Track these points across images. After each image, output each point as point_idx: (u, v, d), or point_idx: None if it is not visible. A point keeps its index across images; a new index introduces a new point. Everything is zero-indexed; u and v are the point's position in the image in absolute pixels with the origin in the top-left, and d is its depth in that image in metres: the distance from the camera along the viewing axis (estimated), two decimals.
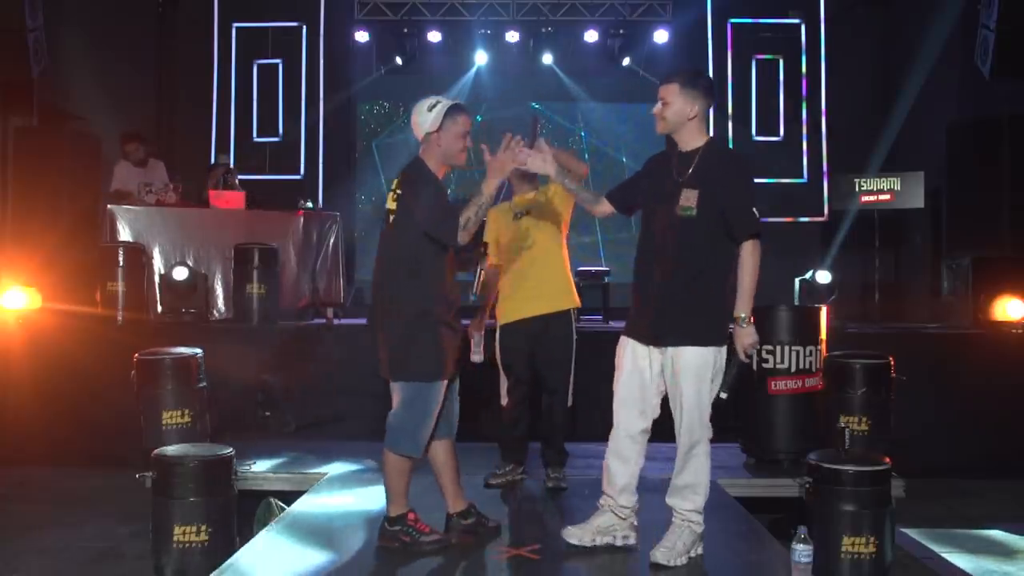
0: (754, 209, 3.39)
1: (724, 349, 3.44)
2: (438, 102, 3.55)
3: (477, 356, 4.52)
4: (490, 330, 4.64)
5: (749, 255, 3.34)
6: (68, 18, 8.78)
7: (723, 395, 3.43)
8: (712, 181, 3.35)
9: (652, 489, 3.78)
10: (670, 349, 3.42)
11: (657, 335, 3.44)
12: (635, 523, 3.63)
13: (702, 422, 3.43)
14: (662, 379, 3.49)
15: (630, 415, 3.52)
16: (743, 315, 3.35)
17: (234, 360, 6.11)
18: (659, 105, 3.45)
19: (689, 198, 3.35)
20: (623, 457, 3.56)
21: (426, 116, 3.54)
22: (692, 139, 3.45)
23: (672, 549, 3.42)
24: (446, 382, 3.56)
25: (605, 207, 3.69)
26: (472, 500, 3.81)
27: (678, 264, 3.39)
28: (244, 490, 4.46)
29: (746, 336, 3.36)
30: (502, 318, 4.59)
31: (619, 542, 3.60)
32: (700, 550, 3.51)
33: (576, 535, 3.61)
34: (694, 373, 3.38)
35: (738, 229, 3.34)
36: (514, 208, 4.60)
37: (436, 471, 3.73)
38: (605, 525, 3.60)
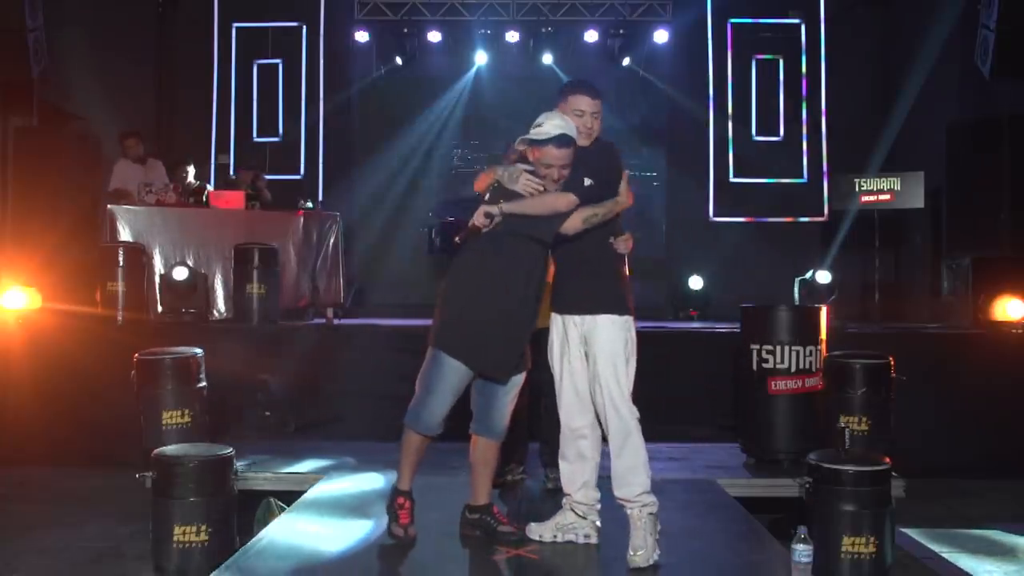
0: (591, 184, 3.42)
1: (631, 321, 3.51)
2: (539, 126, 3.46)
3: None
4: None
5: (561, 193, 3.41)
6: (68, 18, 8.77)
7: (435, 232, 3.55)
8: (580, 170, 3.46)
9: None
10: (578, 319, 3.50)
11: (569, 303, 3.54)
12: (597, 523, 3.65)
13: (626, 403, 3.45)
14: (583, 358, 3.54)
15: (571, 411, 3.58)
16: (504, 203, 3.38)
17: (234, 360, 6.11)
18: (593, 121, 3.51)
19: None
20: (580, 456, 3.60)
21: (522, 139, 3.52)
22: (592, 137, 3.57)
23: (646, 548, 3.37)
24: (459, 367, 3.52)
25: None
26: (493, 504, 3.79)
27: (568, 246, 3.50)
28: (244, 490, 4.46)
29: (485, 207, 3.39)
30: None
31: (580, 540, 3.63)
32: (658, 525, 3.46)
33: (537, 531, 3.67)
34: (610, 345, 3.43)
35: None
36: None
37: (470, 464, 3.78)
38: (566, 523, 3.65)
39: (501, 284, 3.50)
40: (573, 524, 3.64)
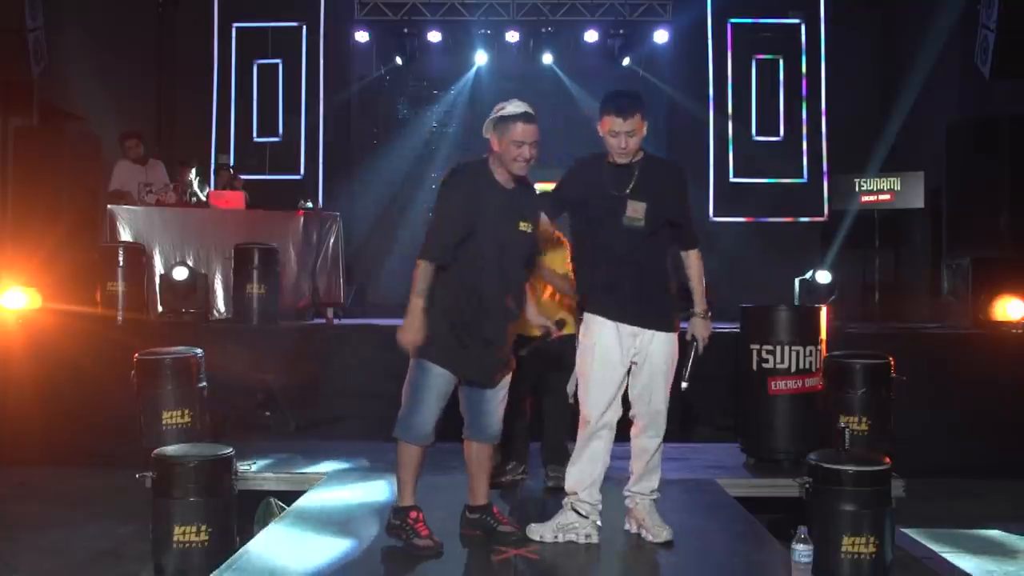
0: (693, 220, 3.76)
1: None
2: (501, 110, 3.49)
3: None
4: None
5: (698, 260, 3.73)
6: (68, 18, 8.77)
7: (684, 385, 3.66)
8: (658, 194, 3.56)
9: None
10: (647, 334, 3.57)
11: (634, 316, 3.57)
12: (598, 523, 3.67)
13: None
14: (628, 367, 3.60)
15: (599, 410, 3.59)
16: (702, 310, 3.69)
17: (234, 360, 6.11)
18: (628, 141, 3.50)
19: (636, 210, 3.53)
20: (593, 457, 3.62)
21: (488, 121, 3.52)
22: (632, 154, 3.58)
23: (665, 523, 3.67)
24: (444, 376, 3.52)
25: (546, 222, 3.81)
26: (493, 504, 3.78)
27: (631, 264, 3.56)
28: (244, 490, 4.46)
29: (706, 327, 3.69)
30: None
31: (582, 540, 3.64)
32: None
33: (538, 531, 3.67)
34: (668, 360, 3.61)
35: (688, 242, 3.71)
36: None
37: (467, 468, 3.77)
38: (567, 523, 3.65)
39: (474, 287, 3.49)
40: (575, 524, 3.64)
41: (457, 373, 3.54)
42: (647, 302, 3.57)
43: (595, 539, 3.64)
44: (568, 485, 3.67)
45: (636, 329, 3.57)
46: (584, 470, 3.63)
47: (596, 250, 3.62)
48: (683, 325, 3.71)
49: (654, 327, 3.57)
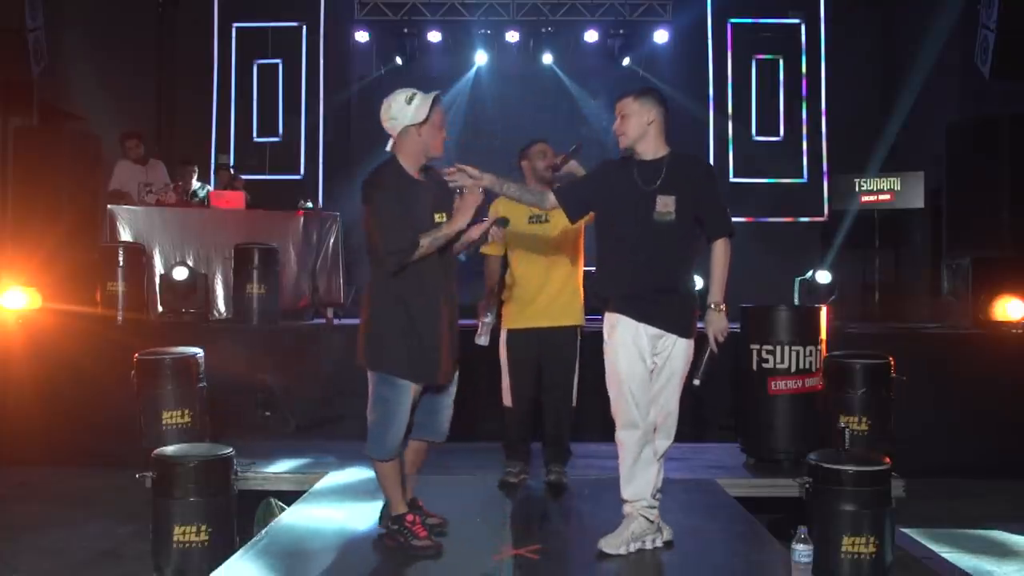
0: (727, 210, 3.64)
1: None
2: (415, 94, 3.51)
3: (482, 339, 4.26)
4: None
5: (723, 249, 3.57)
6: (68, 18, 8.78)
7: (696, 382, 3.57)
8: (685, 187, 3.52)
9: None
10: (670, 338, 3.55)
11: (658, 319, 3.54)
12: (660, 525, 3.67)
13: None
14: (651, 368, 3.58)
15: (645, 408, 3.57)
16: (716, 301, 3.53)
17: (234, 360, 6.12)
18: (618, 121, 3.58)
19: (667, 204, 3.50)
20: (652, 459, 3.61)
21: (405, 109, 3.49)
22: (654, 149, 3.58)
23: (665, 523, 3.68)
24: (413, 386, 3.50)
25: (551, 202, 3.73)
26: (417, 497, 3.80)
27: (658, 263, 3.53)
28: (244, 490, 4.46)
29: (720, 321, 3.53)
30: (510, 322, 4.55)
31: (649, 546, 3.61)
32: None
33: (612, 547, 3.57)
34: (685, 364, 3.59)
35: (717, 229, 3.57)
36: (529, 211, 4.45)
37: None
38: (639, 531, 3.60)
39: (420, 287, 3.48)
40: (645, 531, 3.60)
41: (423, 381, 3.52)
42: (670, 305, 3.55)
43: (659, 543, 3.64)
44: (631, 494, 3.59)
45: (660, 332, 3.54)
46: (645, 477, 3.58)
47: (623, 250, 3.56)
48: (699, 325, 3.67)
49: (676, 332, 3.55)
